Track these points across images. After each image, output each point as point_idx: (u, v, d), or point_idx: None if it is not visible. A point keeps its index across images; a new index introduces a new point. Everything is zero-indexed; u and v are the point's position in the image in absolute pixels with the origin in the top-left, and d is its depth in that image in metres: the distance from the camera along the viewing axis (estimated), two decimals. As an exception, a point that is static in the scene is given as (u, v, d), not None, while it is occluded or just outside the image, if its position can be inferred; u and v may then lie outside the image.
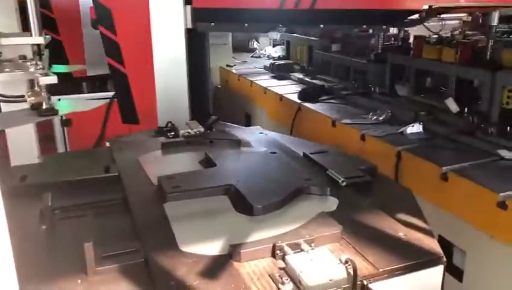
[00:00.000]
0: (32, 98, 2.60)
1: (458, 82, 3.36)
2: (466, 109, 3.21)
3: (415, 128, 3.28)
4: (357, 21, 3.13)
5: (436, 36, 3.74)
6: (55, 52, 4.10)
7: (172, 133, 2.59)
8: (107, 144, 2.69)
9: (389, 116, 3.57)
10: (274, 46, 7.30)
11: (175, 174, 1.94)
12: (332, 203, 1.83)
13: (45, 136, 4.26)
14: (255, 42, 7.36)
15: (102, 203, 1.85)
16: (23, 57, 2.62)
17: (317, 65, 5.12)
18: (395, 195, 2.01)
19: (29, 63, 2.47)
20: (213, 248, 1.49)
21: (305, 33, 5.59)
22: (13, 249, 1.02)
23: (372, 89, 4.06)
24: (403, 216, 1.74)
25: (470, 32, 4.03)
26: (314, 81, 4.82)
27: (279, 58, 5.96)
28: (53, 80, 2.36)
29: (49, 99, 2.67)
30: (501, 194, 2.32)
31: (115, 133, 3.03)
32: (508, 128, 2.91)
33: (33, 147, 3.18)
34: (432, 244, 1.55)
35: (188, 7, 2.94)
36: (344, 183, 1.95)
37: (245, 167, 2.15)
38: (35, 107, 2.62)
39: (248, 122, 5.42)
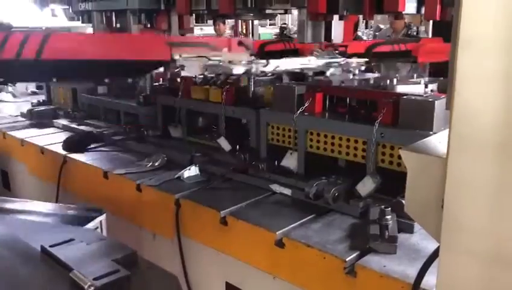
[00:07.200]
0: None
1: (228, 120, 3.41)
2: (238, 147, 3.26)
3: (192, 171, 3.17)
4: (95, 74, 2.62)
5: (201, 76, 3.75)
6: None
7: None
8: None
9: (164, 161, 3.40)
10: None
11: None
12: None
13: None
14: (9, 86, 6.40)
15: None
16: None
17: (84, 109, 4.67)
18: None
19: None
20: None
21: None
22: None
23: (145, 132, 3.84)
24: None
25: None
26: (81, 127, 4.35)
27: (39, 103, 5.26)
28: None
29: None
30: (278, 232, 2.34)
31: None
32: (276, 162, 3.03)
33: None
34: None
35: None
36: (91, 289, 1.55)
37: None
38: None
39: (5, 180, 4.58)
